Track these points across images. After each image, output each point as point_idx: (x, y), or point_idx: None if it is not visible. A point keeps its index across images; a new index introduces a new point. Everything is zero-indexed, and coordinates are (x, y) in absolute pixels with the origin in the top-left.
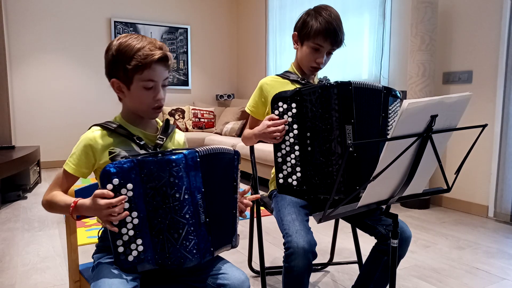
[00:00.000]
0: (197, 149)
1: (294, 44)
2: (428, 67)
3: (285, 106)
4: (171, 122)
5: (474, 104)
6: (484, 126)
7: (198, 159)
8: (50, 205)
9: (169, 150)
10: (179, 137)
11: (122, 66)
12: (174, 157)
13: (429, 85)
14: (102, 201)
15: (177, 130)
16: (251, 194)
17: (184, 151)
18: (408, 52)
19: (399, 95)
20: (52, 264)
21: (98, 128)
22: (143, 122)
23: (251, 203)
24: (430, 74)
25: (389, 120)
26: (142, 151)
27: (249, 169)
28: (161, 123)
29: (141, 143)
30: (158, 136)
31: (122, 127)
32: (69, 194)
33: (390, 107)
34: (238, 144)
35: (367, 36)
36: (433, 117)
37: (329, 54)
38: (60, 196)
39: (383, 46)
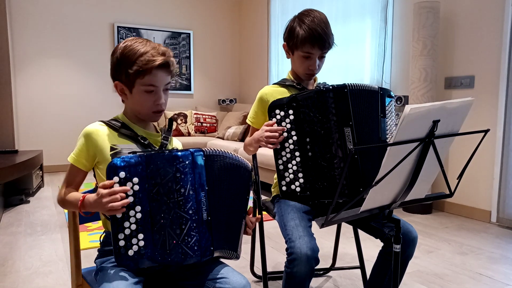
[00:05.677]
0: (203, 149)
1: (286, 54)
2: (430, 72)
3: (282, 113)
4: (173, 126)
5: (476, 109)
6: (486, 131)
7: (204, 158)
8: (64, 203)
9: (175, 149)
10: (176, 143)
11: (125, 70)
12: (180, 153)
13: (431, 90)
14: (105, 190)
15: (173, 137)
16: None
17: (191, 149)
18: (410, 57)
19: (393, 95)
20: (55, 268)
21: (102, 123)
22: (144, 123)
23: (252, 224)
24: (432, 79)
25: (387, 120)
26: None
27: None
28: (157, 126)
29: (146, 142)
30: (163, 135)
31: (127, 127)
32: None
33: (387, 107)
34: (240, 149)
35: (369, 41)
36: (435, 122)
37: (321, 57)
38: (71, 193)
39: (385, 51)
